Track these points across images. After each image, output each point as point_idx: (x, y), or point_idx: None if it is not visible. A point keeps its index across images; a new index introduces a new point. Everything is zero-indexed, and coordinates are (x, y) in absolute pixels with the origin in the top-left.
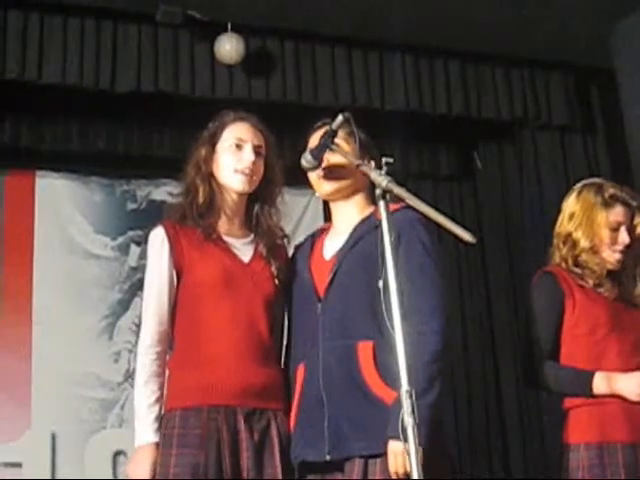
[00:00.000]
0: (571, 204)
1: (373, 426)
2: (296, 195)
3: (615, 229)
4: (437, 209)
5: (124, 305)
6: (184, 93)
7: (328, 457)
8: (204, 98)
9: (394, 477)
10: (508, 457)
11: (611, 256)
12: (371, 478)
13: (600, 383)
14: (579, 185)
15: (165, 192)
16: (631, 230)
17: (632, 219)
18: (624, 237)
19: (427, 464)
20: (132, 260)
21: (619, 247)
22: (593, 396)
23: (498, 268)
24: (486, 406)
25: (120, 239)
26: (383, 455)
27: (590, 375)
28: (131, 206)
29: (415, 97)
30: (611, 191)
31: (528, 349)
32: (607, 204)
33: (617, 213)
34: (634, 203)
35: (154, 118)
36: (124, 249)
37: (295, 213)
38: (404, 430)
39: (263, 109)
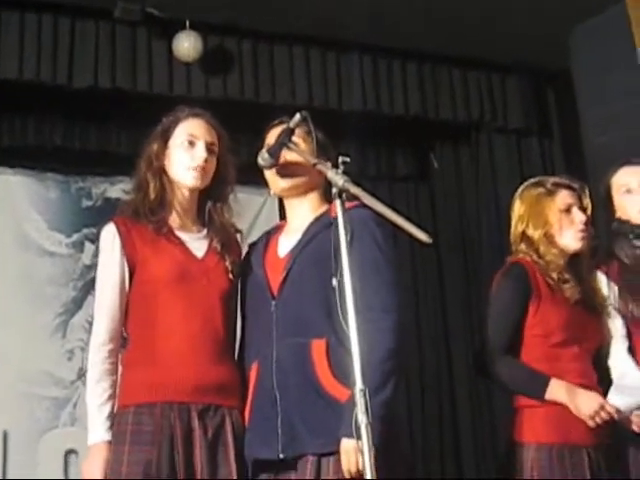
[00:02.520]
0: (517, 208)
1: (326, 424)
2: (252, 194)
3: (567, 211)
4: (393, 209)
5: (78, 303)
6: (142, 90)
7: (281, 455)
8: (162, 95)
9: (347, 476)
10: (460, 452)
11: (573, 238)
12: (324, 476)
13: (554, 391)
14: (519, 189)
15: (121, 190)
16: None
17: (581, 202)
18: (580, 216)
19: (380, 462)
20: (86, 258)
21: (580, 226)
22: (544, 401)
23: (453, 268)
24: (440, 401)
25: (75, 236)
26: (336, 453)
27: (545, 380)
28: (86, 203)
29: (372, 97)
30: (552, 180)
31: (485, 339)
32: (551, 191)
33: (564, 196)
34: (576, 185)
35: (111, 115)
36: (79, 246)
37: (251, 212)
38: (358, 429)
39: (220, 107)
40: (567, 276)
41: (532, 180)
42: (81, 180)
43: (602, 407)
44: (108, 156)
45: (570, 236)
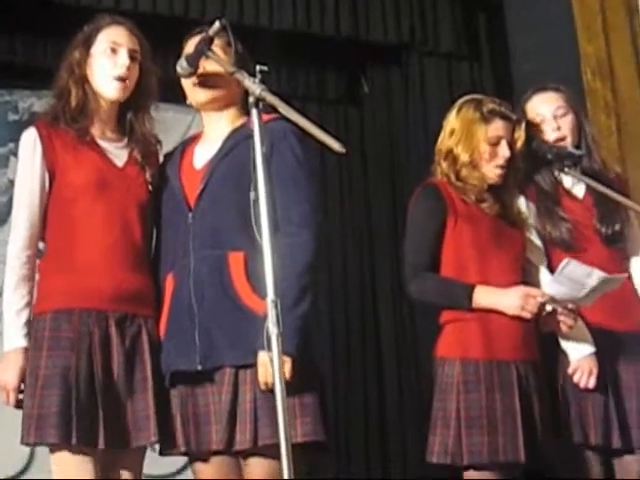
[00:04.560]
0: (451, 121)
1: (244, 336)
2: (180, 112)
3: (495, 144)
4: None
5: (2, 218)
6: (69, 1)
7: (199, 367)
8: (89, 7)
9: (263, 387)
10: (383, 368)
11: (492, 171)
12: (241, 388)
13: (480, 296)
14: (459, 101)
15: (47, 104)
16: (512, 144)
17: (512, 133)
18: (504, 151)
19: (296, 373)
20: (11, 173)
21: (500, 161)
22: (471, 310)
23: (381, 192)
24: (363, 318)
25: (0, 150)
26: (254, 366)
27: (470, 288)
28: (12, 117)
29: (303, 17)
30: (490, 106)
31: (407, 259)
32: (486, 119)
33: (496, 127)
34: (514, 117)
35: (38, 27)
36: (3, 161)
37: (178, 130)
38: (268, 339)
39: (149, 22)
40: (485, 196)
41: (475, 96)
42: (7, 94)
43: (528, 294)
44: (35, 69)
45: (489, 168)
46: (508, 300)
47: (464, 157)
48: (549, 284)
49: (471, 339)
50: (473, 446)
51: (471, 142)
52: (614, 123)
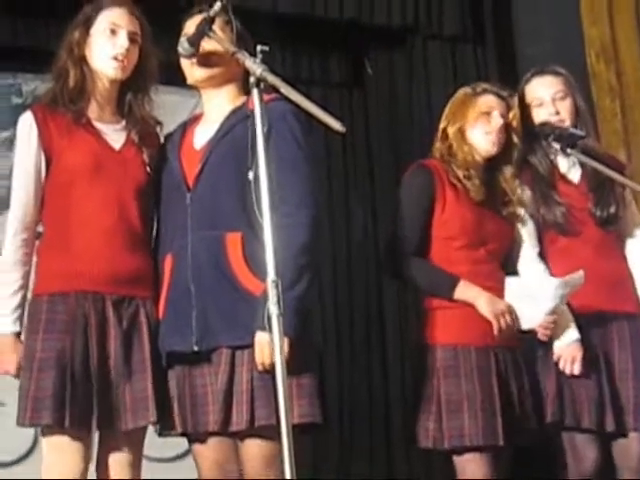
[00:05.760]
0: (446, 109)
1: (241, 317)
2: (184, 96)
3: (486, 112)
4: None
5: (6, 202)
6: None
7: (195, 348)
8: None
9: (260, 368)
10: (386, 347)
11: (484, 142)
12: (238, 369)
13: (462, 291)
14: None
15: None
16: (507, 120)
17: (505, 110)
18: (497, 120)
19: (293, 354)
20: None
21: (494, 130)
22: (452, 300)
23: (385, 174)
24: (367, 297)
25: (4, 134)
26: (250, 347)
27: (455, 280)
28: (16, 101)
29: (306, 0)
30: (483, 85)
31: (394, 242)
32: (477, 94)
33: (488, 100)
34: (505, 94)
35: (41, 9)
36: (8, 145)
37: (182, 114)
38: (269, 320)
39: (153, 4)
40: (472, 173)
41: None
42: (11, 77)
43: (509, 310)
44: (39, 52)
45: (481, 137)
46: (488, 306)
47: (453, 128)
48: (524, 308)
49: (452, 325)
50: (454, 430)
51: (461, 112)
52: (618, 106)
